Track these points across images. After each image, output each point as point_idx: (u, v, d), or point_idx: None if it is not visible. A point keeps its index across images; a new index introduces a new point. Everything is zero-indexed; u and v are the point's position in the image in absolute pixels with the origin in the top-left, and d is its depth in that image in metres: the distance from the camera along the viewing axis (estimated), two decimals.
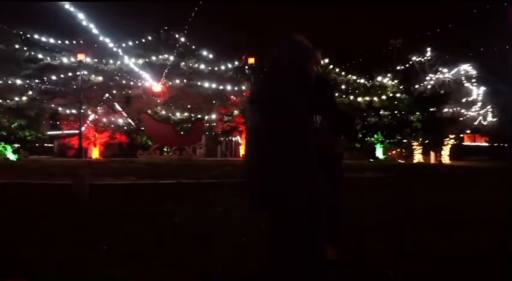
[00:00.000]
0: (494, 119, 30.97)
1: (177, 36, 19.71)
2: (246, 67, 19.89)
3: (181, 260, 3.79)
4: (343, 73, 21.51)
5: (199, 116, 19.51)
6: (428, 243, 4.47)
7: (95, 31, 15.35)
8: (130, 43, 19.40)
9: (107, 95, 19.53)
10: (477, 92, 29.73)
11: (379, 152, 21.17)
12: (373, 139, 20.94)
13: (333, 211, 3.69)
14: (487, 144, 32.64)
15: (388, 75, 22.50)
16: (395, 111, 21.55)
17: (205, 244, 4.36)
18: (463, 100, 28.50)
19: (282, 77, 2.38)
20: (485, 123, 31.43)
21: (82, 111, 17.57)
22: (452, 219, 5.77)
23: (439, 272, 3.51)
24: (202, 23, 15.83)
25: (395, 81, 22.42)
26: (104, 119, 19.19)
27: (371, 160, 18.52)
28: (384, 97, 21.60)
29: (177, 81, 19.48)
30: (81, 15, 14.15)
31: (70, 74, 18.86)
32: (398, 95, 21.97)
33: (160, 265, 3.66)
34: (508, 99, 25.67)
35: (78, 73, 17.88)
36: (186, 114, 20.03)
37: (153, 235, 4.77)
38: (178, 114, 19.98)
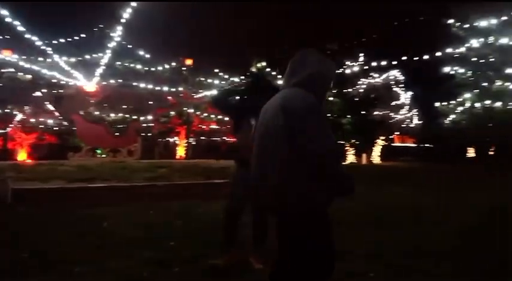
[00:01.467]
0: (420, 122, 33.05)
1: (112, 35, 19.20)
2: (183, 68, 19.81)
3: (107, 265, 3.80)
4: (279, 76, 22.04)
5: (134, 117, 19.14)
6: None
7: (22, 28, 14.53)
8: (62, 40, 18.63)
9: (36, 93, 18.57)
10: (405, 96, 31.57)
11: None
12: None
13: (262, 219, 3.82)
14: (415, 145, 34.91)
15: None
16: (328, 114, 22.38)
17: (134, 248, 4.38)
18: (392, 104, 30.14)
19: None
20: (412, 125, 33.45)
21: (7, 111, 16.61)
22: (385, 218, 6.20)
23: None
24: (139, 23, 15.53)
25: None
26: (32, 119, 18.24)
27: None
28: None
29: (112, 81, 18.99)
30: (4, 12, 13.33)
31: None
32: (331, 98, 22.84)
33: (84, 271, 3.65)
34: (430, 103, 27.55)
35: (3, 70, 16.88)
36: (120, 115, 19.57)
37: (79, 241, 4.71)
38: (112, 114, 19.47)
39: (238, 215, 3.90)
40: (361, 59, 27.78)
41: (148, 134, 19.94)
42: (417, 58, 17.06)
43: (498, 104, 16.38)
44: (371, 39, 15.31)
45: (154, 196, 7.76)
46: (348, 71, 23.06)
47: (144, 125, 19.50)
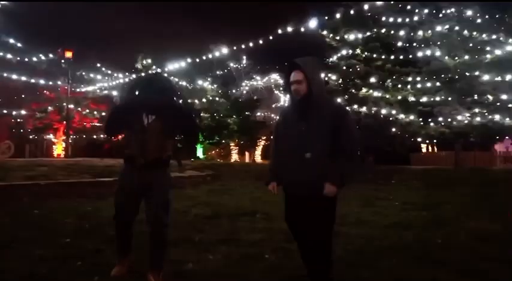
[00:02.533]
0: None
1: None
2: (63, 61, 18.58)
3: (1, 266, 3.67)
4: (165, 75, 21.94)
5: (5, 111, 17.42)
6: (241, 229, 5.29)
7: None
8: None
9: None
10: (284, 98, 33.63)
11: (200, 152, 22.30)
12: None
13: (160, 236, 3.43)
14: None
15: (208, 79, 23.83)
16: (215, 114, 22.96)
17: (26, 247, 4.26)
18: (273, 105, 31.90)
19: None
20: None
21: None
22: (263, 210, 6.79)
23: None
24: (12, 6, 14.14)
25: (215, 85, 23.88)
26: None
27: (192, 159, 19.43)
28: (204, 100, 22.80)
29: None
30: None
31: None
32: (217, 98, 23.45)
33: None
34: None
35: None
36: None
37: None
38: None
39: (128, 223, 3.56)
40: (244, 62, 29.00)
41: (21, 131, 18.35)
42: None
43: (363, 109, 18.53)
44: (255, 44, 16.19)
45: (37, 195, 7.40)
46: (234, 72, 23.84)
47: (17, 120, 17.88)
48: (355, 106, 18.61)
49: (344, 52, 19.71)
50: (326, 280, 3.18)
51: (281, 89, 32.49)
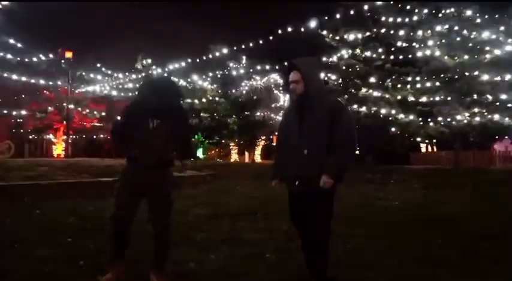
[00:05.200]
0: None
1: None
2: (63, 61, 18.60)
3: (1, 267, 3.67)
4: (165, 75, 21.94)
5: (5, 111, 17.42)
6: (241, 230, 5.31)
7: None
8: None
9: None
10: (284, 98, 33.64)
11: (200, 152, 22.32)
12: (193, 139, 21.95)
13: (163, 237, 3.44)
14: None
15: (208, 79, 23.84)
16: (215, 114, 22.97)
17: (28, 248, 4.27)
18: (273, 105, 31.90)
19: None
20: None
21: None
22: (261, 210, 6.82)
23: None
24: (14, 6, 14.14)
25: (215, 85, 23.89)
26: None
27: (192, 159, 19.41)
28: (204, 100, 22.81)
29: None
30: None
31: None
32: (217, 98, 23.46)
33: None
34: None
35: None
36: None
37: None
38: None
39: (127, 225, 3.45)
40: (244, 61, 28.97)
41: (21, 131, 18.35)
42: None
43: (363, 108, 18.56)
44: (255, 44, 16.22)
45: (38, 195, 7.41)
46: (233, 73, 23.86)
47: (17, 120, 17.88)
48: (355, 106, 18.64)
49: (344, 52, 19.73)
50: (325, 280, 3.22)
51: (281, 89, 32.58)
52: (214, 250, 4.34)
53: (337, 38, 20.10)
